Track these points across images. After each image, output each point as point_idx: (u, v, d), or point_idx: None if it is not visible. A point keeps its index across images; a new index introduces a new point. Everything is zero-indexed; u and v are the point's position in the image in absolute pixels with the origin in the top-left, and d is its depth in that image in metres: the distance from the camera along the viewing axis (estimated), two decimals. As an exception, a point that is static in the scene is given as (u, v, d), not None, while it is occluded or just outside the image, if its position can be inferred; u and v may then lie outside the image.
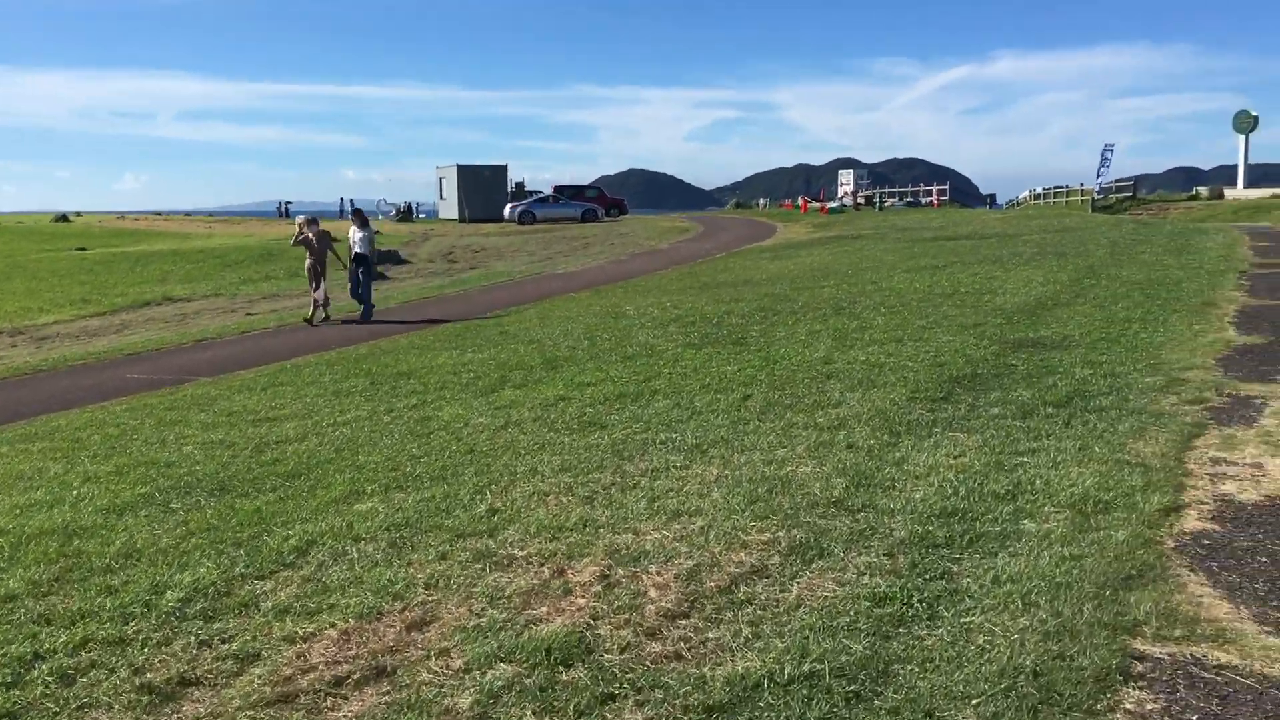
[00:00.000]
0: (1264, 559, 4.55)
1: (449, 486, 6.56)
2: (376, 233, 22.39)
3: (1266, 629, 3.85)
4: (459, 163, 53.22)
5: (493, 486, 6.49)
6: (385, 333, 16.09)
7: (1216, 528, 4.98)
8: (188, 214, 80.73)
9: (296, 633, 4.39)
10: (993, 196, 62.49)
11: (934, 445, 6.67)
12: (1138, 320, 11.09)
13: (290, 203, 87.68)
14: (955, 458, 6.35)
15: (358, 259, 18.14)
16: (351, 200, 74.15)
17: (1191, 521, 5.06)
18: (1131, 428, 6.78)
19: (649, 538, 5.27)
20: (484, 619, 4.35)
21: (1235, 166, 43.15)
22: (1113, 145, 43.97)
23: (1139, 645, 3.75)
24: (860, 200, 53.76)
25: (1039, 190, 51.01)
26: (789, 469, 6.34)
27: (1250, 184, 42.78)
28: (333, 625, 4.44)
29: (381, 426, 8.76)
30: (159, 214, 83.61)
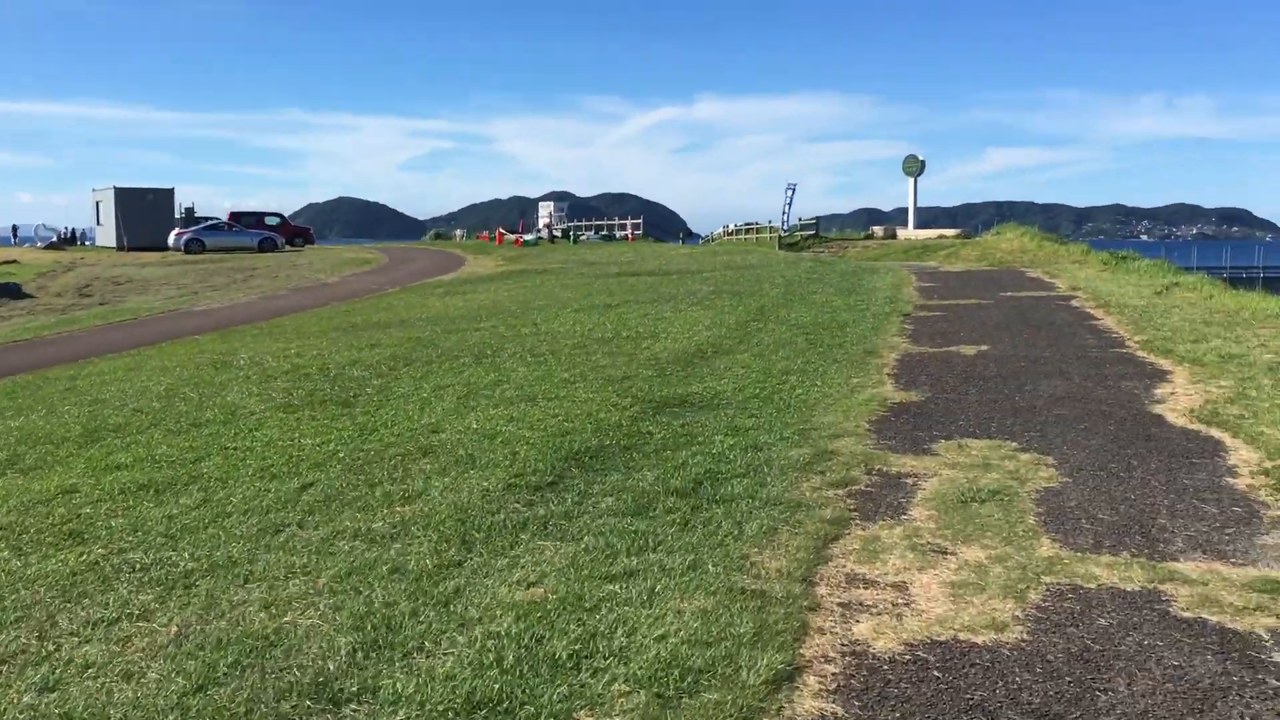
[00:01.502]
0: (896, 780, 3.06)
1: None
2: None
3: None
4: (117, 185, 47.79)
5: None
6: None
7: (840, 710, 3.49)
8: None
9: None
10: (686, 232, 63.34)
11: (510, 565, 4.95)
12: (796, 372, 10.01)
13: (-68, 227, 76.91)
14: (529, 587, 4.65)
15: None
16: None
17: (808, 701, 3.56)
18: (761, 528, 5.35)
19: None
20: None
21: (907, 209, 45.47)
22: (795, 185, 45.35)
23: None
24: (556, 233, 52.77)
25: (732, 227, 51.96)
26: (291, 617, 4.42)
27: (921, 225, 45.20)
28: None
29: None
30: None
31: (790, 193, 43.78)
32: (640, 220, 56.07)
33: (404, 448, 7.50)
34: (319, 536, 5.53)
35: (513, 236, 49.96)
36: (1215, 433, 7.23)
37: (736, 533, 5.29)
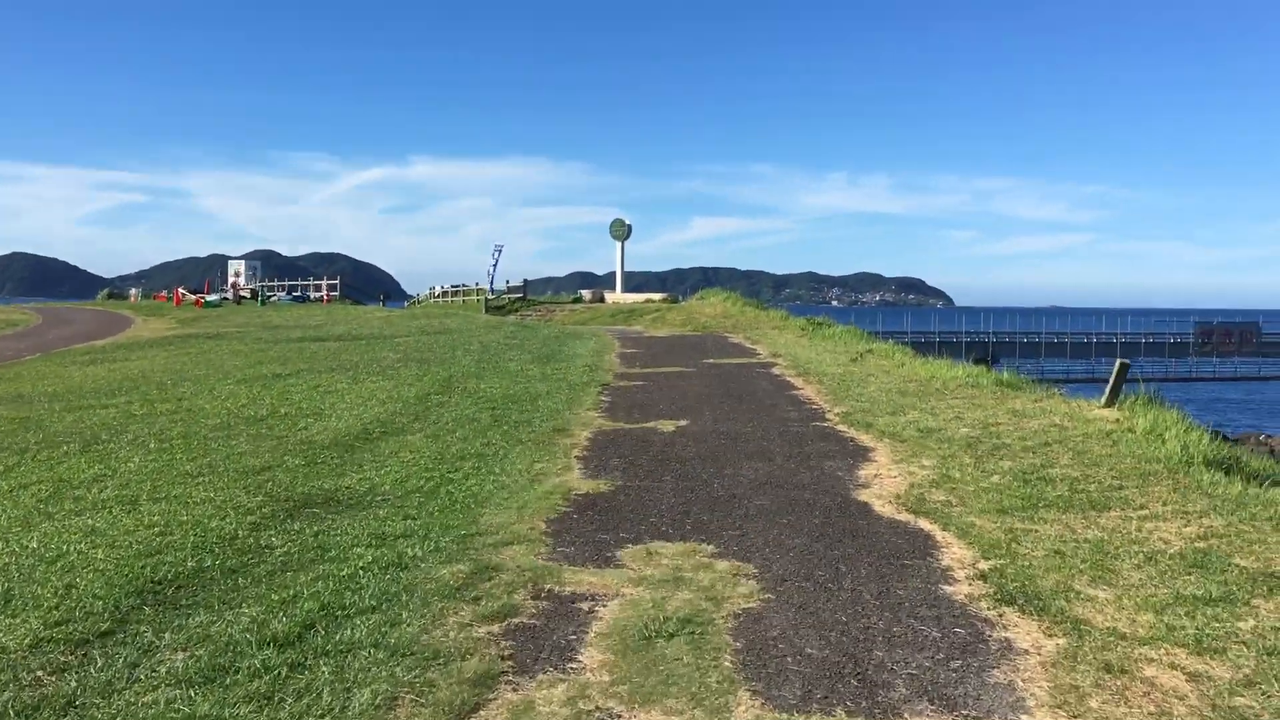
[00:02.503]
0: None
1: None
2: None
3: None
4: None
5: None
6: None
7: None
8: None
9: None
10: (386, 295, 60.78)
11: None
12: (473, 457, 8.66)
13: None
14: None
15: None
16: None
17: None
18: (373, 699, 3.91)
19: None
20: None
21: (617, 273, 45.48)
22: (501, 246, 44.36)
23: None
24: (244, 293, 48.99)
25: (439, 289, 50.24)
26: None
27: (632, 289, 45.31)
28: None
29: None
30: None
31: (497, 253, 42.78)
32: (337, 281, 53.08)
33: (-89, 584, 5.50)
34: None
35: (193, 297, 45.87)
36: (924, 524, 6.48)
37: (338, 710, 3.82)
